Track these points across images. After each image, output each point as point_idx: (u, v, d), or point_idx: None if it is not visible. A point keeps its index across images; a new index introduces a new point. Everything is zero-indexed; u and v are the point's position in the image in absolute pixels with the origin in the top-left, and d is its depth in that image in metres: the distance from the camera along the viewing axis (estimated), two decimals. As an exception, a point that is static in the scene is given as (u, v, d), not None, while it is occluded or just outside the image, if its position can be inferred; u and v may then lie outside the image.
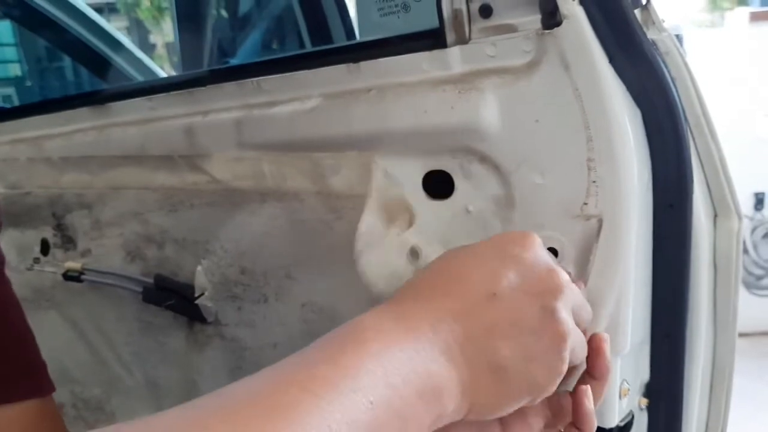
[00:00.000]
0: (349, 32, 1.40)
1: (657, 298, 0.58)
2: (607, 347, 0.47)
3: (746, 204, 3.12)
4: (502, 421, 0.46)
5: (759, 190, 3.16)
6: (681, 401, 0.61)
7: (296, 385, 0.33)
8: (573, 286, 0.43)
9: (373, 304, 0.42)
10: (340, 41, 1.42)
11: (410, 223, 0.62)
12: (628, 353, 0.57)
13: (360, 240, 0.61)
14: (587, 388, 0.45)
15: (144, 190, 0.83)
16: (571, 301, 0.43)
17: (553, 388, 0.42)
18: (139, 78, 1.71)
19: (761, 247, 3.21)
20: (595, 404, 0.46)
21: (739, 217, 0.61)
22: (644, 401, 0.62)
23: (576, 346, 0.43)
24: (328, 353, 0.36)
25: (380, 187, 0.62)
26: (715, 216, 0.61)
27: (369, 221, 0.61)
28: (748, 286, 3.17)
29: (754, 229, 3.20)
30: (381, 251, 0.61)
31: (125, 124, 0.81)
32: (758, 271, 3.21)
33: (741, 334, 0.65)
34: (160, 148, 0.78)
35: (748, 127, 3.00)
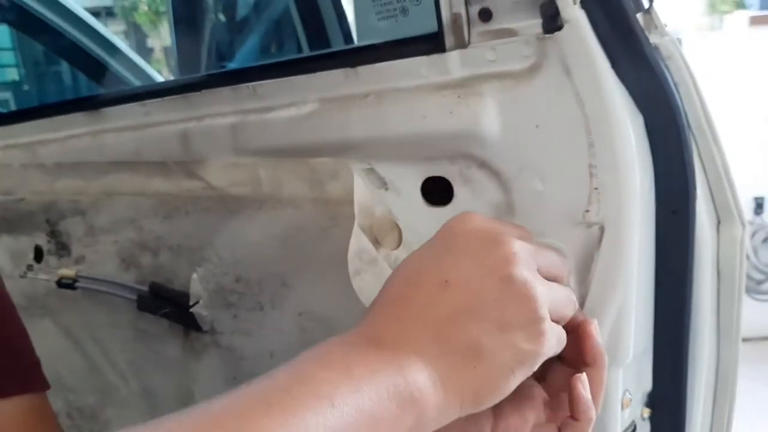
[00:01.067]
0: (347, 36, 1.39)
1: (659, 306, 0.57)
2: (593, 329, 0.45)
3: (746, 208, 3.12)
4: (496, 414, 0.44)
5: (759, 194, 3.16)
6: (684, 411, 0.61)
7: (256, 398, 0.35)
8: (525, 244, 0.43)
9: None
10: (338, 45, 1.41)
11: (399, 241, 0.61)
12: (630, 363, 0.56)
13: (351, 265, 0.62)
14: (582, 375, 0.44)
15: (139, 196, 0.82)
16: (528, 260, 0.42)
17: (546, 349, 0.41)
18: (137, 83, 1.70)
19: (761, 252, 3.22)
20: (596, 396, 0.44)
21: (743, 224, 0.61)
22: (647, 411, 0.61)
23: (556, 300, 0.42)
24: (290, 365, 0.37)
25: (364, 208, 0.61)
26: (719, 222, 0.60)
27: (357, 246, 0.61)
28: (749, 291, 3.17)
29: (754, 234, 3.21)
30: (374, 271, 0.61)
31: (119, 129, 0.80)
32: (758, 276, 3.21)
33: (741, 339, 0.64)
34: (155, 153, 0.77)
35: (747, 131, 2.99)
